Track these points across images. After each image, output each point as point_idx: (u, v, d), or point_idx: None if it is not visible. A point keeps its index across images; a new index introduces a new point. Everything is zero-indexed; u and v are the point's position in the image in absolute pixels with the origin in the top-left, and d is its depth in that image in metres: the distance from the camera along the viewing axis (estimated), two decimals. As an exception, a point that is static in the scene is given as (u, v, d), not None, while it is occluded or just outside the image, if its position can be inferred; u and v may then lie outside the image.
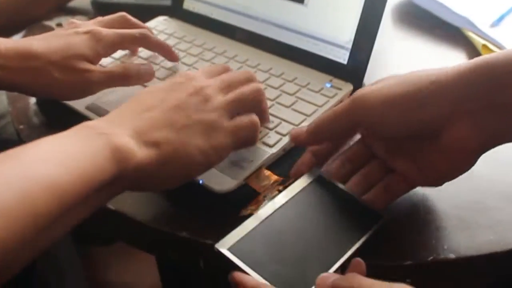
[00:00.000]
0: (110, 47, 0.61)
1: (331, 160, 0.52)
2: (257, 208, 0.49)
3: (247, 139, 0.50)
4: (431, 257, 0.47)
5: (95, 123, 0.45)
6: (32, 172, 0.38)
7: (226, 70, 0.54)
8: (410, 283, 0.48)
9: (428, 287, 0.50)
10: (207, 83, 0.50)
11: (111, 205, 0.53)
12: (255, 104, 0.52)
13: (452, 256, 0.47)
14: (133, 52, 0.70)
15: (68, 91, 0.59)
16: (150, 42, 0.64)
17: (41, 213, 0.37)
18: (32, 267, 0.87)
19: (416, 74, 0.46)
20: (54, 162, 0.39)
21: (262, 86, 0.53)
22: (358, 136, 0.53)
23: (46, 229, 0.37)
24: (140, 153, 0.43)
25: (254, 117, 0.50)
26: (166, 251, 0.54)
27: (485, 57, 0.44)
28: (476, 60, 0.44)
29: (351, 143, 0.53)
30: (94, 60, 0.60)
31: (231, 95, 0.50)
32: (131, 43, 0.64)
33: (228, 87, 0.50)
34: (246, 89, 0.51)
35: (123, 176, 0.42)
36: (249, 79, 0.52)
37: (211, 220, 0.51)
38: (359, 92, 0.47)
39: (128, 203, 0.54)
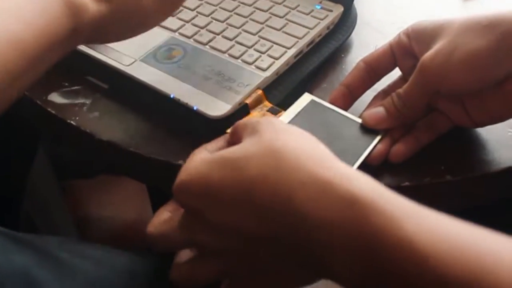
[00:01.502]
0: None
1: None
2: None
3: None
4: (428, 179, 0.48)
5: None
6: None
7: None
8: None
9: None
10: None
11: (102, 137, 0.52)
12: None
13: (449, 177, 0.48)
14: None
15: None
16: None
17: (9, 69, 0.38)
18: (18, 207, 0.86)
19: (482, 24, 0.44)
20: (14, 18, 0.39)
21: None
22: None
23: (15, 83, 0.39)
24: (94, 6, 0.43)
25: None
26: (162, 181, 0.53)
27: None
28: None
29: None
30: None
31: None
32: None
33: None
34: None
35: (80, 29, 0.42)
36: None
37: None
38: (430, 60, 0.45)
39: (120, 134, 0.53)
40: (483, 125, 0.50)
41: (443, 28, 0.47)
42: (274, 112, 0.51)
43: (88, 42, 0.46)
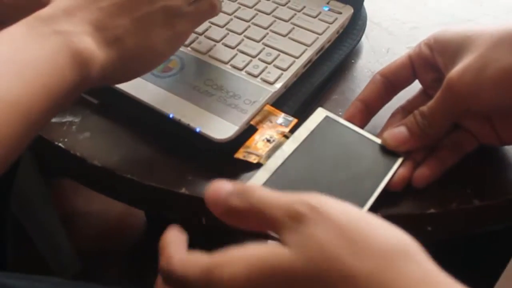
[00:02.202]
0: None
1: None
2: (262, 154, 0.43)
3: (207, 19, 0.48)
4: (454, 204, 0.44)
5: (48, 13, 0.39)
6: None
7: None
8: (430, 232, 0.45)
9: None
10: None
11: (95, 161, 0.47)
12: None
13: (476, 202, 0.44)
14: None
15: None
16: None
17: (8, 134, 0.34)
18: (4, 207, 0.82)
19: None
20: (13, 76, 0.36)
21: None
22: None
23: (14, 149, 0.35)
24: (102, 54, 0.40)
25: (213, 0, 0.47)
26: (164, 211, 0.49)
27: None
28: None
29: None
30: None
31: None
32: None
33: None
34: None
35: (85, 80, 0.39)
36: None
37: (213, 172, 0.46)
38: (458, 77, 0.41)
39: (114, 158, 0.48)
40: (507, 144, 0.46)
41: (470, 40, 0.42)
42: (287, 123, 0.46)
43: (97, 86, 0.42)
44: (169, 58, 0.46)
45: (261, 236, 0.38)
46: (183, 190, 0.45)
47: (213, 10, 0.47)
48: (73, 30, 0.39)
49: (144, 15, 0.42)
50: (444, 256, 0.36)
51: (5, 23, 0.49)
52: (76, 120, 0.51)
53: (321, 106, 0.50)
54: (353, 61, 0.56)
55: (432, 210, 0.44)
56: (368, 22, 0.57)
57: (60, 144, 0.49)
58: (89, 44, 0.39)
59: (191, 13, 0.44)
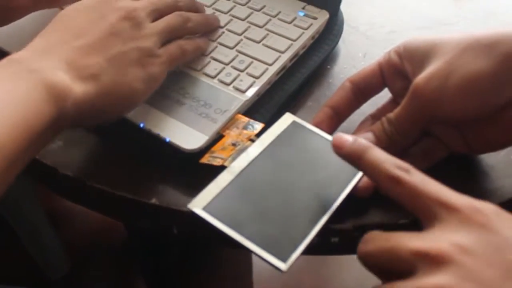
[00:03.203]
0: None
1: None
2: (227, 156, 0.43)
3: (179, 62, 0.49)
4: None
5: (21, 56, 0.40)
6: None
7: None
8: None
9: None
10: (136, 4, 0.46)
11: (66, 171, 0.47)
12: (183, 31, 0.49)
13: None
14: None
15: None
16: None
17: None
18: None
19: (482, 44, 0.40)
20: None
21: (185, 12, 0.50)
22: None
23: None
24: (77, 89, 0.40)
25: (182, 43, 0.48)
26: (135, 220, 0.48)
27: None
28: None
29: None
30: None
31: (161, 23, 0.47)
32: None
33: (156, 11, 0.47)
34: (172, 17, 0.48)
35: (63, 115, 0.39)
36: (176, 1, 0.50)
37: (183, 182, 0.46)
38: (424, 84, 0.41)
39: (88, 169, 0.48)
40: (482, 152, 0.46)
41: (438, 47, 0.42)
42: (253, 127, 0.46)
43: (73, 125, 0.42)
44: (146, 98, 0.45)
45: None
46: (153, 201, 0.45)
47: (183, 54, 0.48)
48: (46, 66, 0.39)
49: (118, 54, 0.43)
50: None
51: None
52: (49, 128, 0.51)
53: (296, 113, 0.50)
54: (329, 66, 0.55)
55: (402, 221, 0.44)
56: (345, 27, 0.57)
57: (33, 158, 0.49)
58: (63, 78, 0.39)
59: (163, 55, 0.46)
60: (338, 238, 0.44)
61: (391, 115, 0.44)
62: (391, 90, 0.47)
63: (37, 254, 1.11)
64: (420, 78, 0.41)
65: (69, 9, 0.45)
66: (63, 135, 0.50)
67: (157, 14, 0.47)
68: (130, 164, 0.48)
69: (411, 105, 0.42)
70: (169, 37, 0.47)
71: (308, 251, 0.42)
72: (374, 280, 0.35)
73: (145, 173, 0.47)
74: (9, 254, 1.10)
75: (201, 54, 0.51)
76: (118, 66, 0.42)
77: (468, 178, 0.46)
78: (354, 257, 0.38)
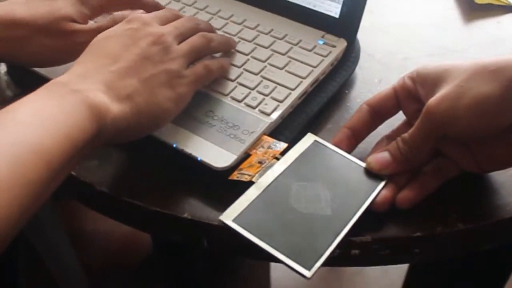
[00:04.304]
0: (96, 8, 0.57)
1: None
2: (254, 173, 0.47)
3: (205, 82, 0.52)
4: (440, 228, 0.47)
5: (65, 79, 0.44)
6: (19, 138, 0.37)
7: (175, 16, 0.54)
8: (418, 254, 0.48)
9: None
10: (163, 30, 0.50)
11: (103, 188, 0.51)
12: (207, 51, 0.54)
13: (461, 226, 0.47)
14: None
15: (58, 57, 0.55)
16: (141, 2, 0.59)
17: (33, 180, 0.36)
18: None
19: (489, 70, 0.43)
20: (37, 126, 0.39)
21: (207, 33, 0.54)
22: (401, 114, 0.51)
23: (39, 195, 0.37)
24: (115, 108, 0.43)
25: (207, 63, 0.52)
26: (168, 234, 0.52)
27: None
28: None
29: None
30: (81, 22, 0.56)
31: (186, 45, 0.51)
32: (121, 4, 0.59)
33: (181, 35, 0.51)
34: (196, 38, 0.52)
35: (102, 132, 0.42)
36: (197, 24, 0.54)
37: (213, 197, 0.49)
38: (436, 104, 0.45)
39: (121, 184, 0.51)
40: (491, 171, 0.49)
41: (449, 72, 0.46)
42: (278, 147, 0.50)
43: (110, 142, 0.45)
44: (175, 116, 0.49)
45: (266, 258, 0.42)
46: (185, 215, 0.48)
47: (208, 73, 0.52)
48: (88, 88, 0.43)
49: (150, 76, 0.46)
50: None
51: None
52: (87, 148, 0.54)
53: (316, 134, 0.54)
54: (346, 91, 0.59)
55: (418, 234, 0.47)
56: (361, 54, 0.61)
57: (71, 172, 0.52)
58: (103, 98, 0.43)
59: (189, 76, 0.49)
60: (358, 250, 0.47)
61: (405, 135, 0.47)
62: (405, 113, 0.51)
63: (58, 275, 1.14)
64: (433, 99, 0.45)
65: (100, 37, 0.49)
66: (99, 154, 0.54)
67: (183, 37, 0.51)
68: (163, 181, 0.51)
69: (424, 125, 0.46)
70: (195, 57, 0.51)
71: (330, 262, 0.45)
72: (388, 284, 0.39)
73: (177, 189, 0.50)
74: (31, 274, 1.12)
75: (224, 73, 0.55)
76: (150, 87, 0.46)
77: (481, 194, 0.49)
78: (363, 270, 0.41)
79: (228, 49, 0.57)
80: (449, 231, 0.47)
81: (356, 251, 0.47)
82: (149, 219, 0.51)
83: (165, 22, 0.52)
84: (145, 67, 0.47)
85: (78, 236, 1.31)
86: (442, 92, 0.45)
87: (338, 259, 0.46)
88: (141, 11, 0.58)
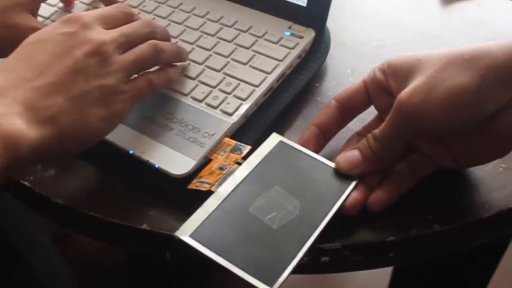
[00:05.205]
0: None
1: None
2: (214, 181, 0.44)
3: (146, 97, 0.47)
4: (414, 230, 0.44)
5: None
6: None
7: (125, 16, 0.48)
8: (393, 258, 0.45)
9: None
10: (105, 37, 0.44)
11: (59, 199, 0.48)
12: (155, 63, 0.48)
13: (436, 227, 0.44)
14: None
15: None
16: None
17: None
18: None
19: (464, 58, 0.40)
20: None
21: (161, 42, 0.48)
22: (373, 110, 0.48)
23: None
24: (33, 133, 0.39)
25: (151, 77, 0.47)
26: (128, 245, 0.49)
27: None
28: None
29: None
30: (33, 6, 0.53)
31: (130, 56, 0.45)
32: None
33: (126, 43, 0.45)
34: (145, 48, 0.46)
35: (16, 161, 0.38)
36: (151, 33, 0.48)
37: (174, 207, 0.46)
38: (408, 98, 0.41)
39: (78, 195, 0.48)
40: (467, 166, 0.47)
41: (421, 63, 0.42)
42: (240, 150, 0.47)
43: (31, 165, 0.42)
44: (106, 135, 0.44)
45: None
46: (144, 226, 0.45)
47: (150, 88, 0.47)
48: (2, 112, 0.38)
49: (80, 94, 0.41)
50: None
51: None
52: (42, 157, 0.51)
53: (284, 132, 0.51)
54: (317, 84, 0.56)
55: (391, 238, 0.44)
56: (332, 43, 0.57)
57: (25, 183, 0.49)
58: (18, 125, 0.38)
59: (127, 91, 0.44)
60: (328, 257, 0.44)
61: (376, 131, 0.44)
62: (376, 107, 0.48)
63: (44, 275, 1.12)
64: (404, 92, 0.42)
65: (30, 40, 0.44)
66: (54, 164, 0.51)
67: (129, 45, 0.46)
68: (121, 190, 0.48)
69: (395, 120, 0.42)
70: (138, 69, 0.46)
71: (299, 270, 0.42)
72: (377, 285, 0.36)
73: (136, 199, 0.48)
74: (17, 275, 1.10)
75: (172, 85, 0.51)
76: (79, 106, 0.41)
77: (457, 192, 0.46)
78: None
79: (179, 61, 0.51)
80: (425, 233, 0.44)
81: (325, 258, 0.44)
82: (108, 231, 0.48)
83: (111, 24, 0.46)
84: (75, 82, 0.41)
85: (62, 237, 1.29)
86: (414, 84, 0.42)
87: (307, 266, 0.44)
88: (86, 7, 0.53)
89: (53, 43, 0.43)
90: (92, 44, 0.43)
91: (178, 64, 0.51)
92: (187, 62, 0.53)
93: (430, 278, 0.82)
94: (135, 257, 0.95)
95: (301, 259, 0.40)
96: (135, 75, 0.46)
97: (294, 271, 0.40)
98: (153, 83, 0.47)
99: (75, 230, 0.51)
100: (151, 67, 0.48)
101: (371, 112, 0.49)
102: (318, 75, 0.56)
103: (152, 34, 0.48)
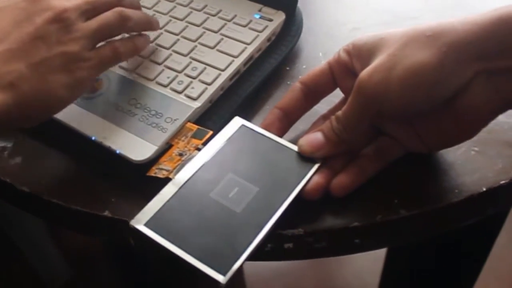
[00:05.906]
0: None
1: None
2: (173, 168, 0.43)
3: (111, 65, 0.47)
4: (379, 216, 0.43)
5: None
6: None
7: None
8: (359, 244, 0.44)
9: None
10: (67, 4, 0.44)
11: (24, 187, 0.47)
12: (121, 31, 0.47)
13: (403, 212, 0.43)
14: None
15: None
16: None
17: None
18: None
19: (426, 35, 0.39)
20: None
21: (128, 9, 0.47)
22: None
23: None
24: None
25: (116, 45, 0.46)
26: (93, 233, 0.48)
27: (509, 8, 0.37)
28: (500, 11, 0.37)
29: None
30: None
31: (94, 23, 0.44)
32: None
33: (90, 10, 0.45)
34: (110, 15, 0.45)
35: None
36: (118, 1, 0.47)
37: (135, 194, 0.45)
38: (368, 77, 0.40)
39: (43, 184, 0.48)
40: (437, 149, 0.45)
41: (384, 41, 0.41)
42: (201, 135, 0.46)
43: None
44: (70, 103, 0.44)
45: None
46: (106, 213, 0.45)
47: (116, 55, 0.46)
48: None
49: (41, 61, 0.41)
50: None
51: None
52: (9, 145, 0.51)
53: (253, 117, 0.50)
54: (288, 68, 0.54)
55: (356, 224, 0.43)
56: (304, 26, 0.56)
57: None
58: None
59: (91, 59, 0.44)
60: (291, 244, 0.43)
61: (339, 113, 0.43)
62: (342, 90, 0.47)
63: (37, 263, 1.12)
64: (364, 72, 0.40)
65: None
66: (21, 151, 0.50)
67: (93, 12, 0.45)
68: (86, 177, 0.48)
69: (357, 100, 0.41)
70: (103, 37, 0.45)
71: (262, 257, 0.42)
72: (373, 275, 0.35)
73: (99, 186, 0.47)
74: (10, 265, 1.11)
75: (137, 54, 0.50)
76: (40, 73, 0.41)
77: (426, 176, 0.45)
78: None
79: (148, 29, 0.51)
80: (391, 218, 0.43)
81: (289, 244, 0.43)
82: (72, 219, 0.47)
83: None
84: (37, 49, 0.41)
85: (57, 228, 1.30)
86: (375, 63, 0.40)
87: (271, 253, 0.43)
88: None
89: (14, 11, 0.42)
90: (54, 11, 0.42)
91: (147, 33, 0.50)
92: (155, 46, 0.52)
93: (422, 261, 0.81)
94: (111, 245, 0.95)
95: (259, 246, 0.39)
96: (102, 43, 0.45)
97: (255, 258, 0.39)
98: (118, 51, 0.46)
99: (41, 218, 0.51)
100: (117, 35, 0.47)
101: (339, 95, 0.47)
102: (289, 59, 0.55)
103: (118, 2, 0.47)
